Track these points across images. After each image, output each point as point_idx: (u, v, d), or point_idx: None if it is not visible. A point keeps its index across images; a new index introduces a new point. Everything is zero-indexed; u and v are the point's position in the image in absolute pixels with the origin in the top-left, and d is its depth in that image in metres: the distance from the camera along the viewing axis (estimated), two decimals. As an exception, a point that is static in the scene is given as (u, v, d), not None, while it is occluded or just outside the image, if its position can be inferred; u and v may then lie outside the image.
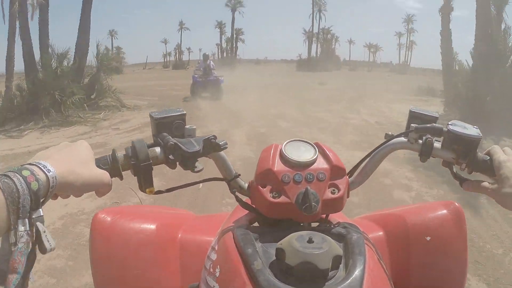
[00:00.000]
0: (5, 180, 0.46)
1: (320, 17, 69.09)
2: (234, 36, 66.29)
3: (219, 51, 78.73)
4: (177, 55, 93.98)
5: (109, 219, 0.87)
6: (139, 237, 0.87)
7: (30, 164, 0.53)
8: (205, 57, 13.81)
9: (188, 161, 0.74)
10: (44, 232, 0.50)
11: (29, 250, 0.48)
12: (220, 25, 78.69)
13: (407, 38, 79.79)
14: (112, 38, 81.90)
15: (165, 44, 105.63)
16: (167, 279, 0.88)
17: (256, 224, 0.84)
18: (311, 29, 68.50)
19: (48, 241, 0.50)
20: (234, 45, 66.03)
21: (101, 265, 0.86)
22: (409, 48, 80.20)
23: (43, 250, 0.50)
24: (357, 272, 0.61)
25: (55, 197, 0.58)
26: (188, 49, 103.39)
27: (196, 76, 13.21)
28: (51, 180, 0.52)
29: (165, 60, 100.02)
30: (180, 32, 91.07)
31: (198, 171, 0.76)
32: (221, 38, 78.08)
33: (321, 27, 72.49)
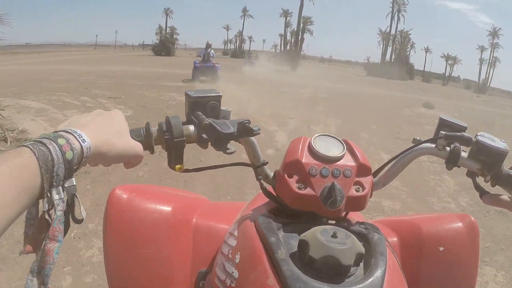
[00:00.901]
0: (41, 147, 0.46)
1: (398, 18, 62.53)
2: (301, 25, 58.42)
3: (282, 42, 73.55)
4: (238, 43, 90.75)
5: (125, 196, 0.87)
6: (154, 217, 0.87)
7: (65, 131, 0.52)
8: (207, 45, 15.03)
9: (221, 142, 0.75)
10: (79, 201, 0.51)
11: (65, 217, 0.48)
12: (286, 14, 73.12)
13: (490, 53, 71.20)
14: (166, 17, 79.24)
15: (227, 30, 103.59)
16: (178, 262, 0.87)
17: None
18: (388, 30, 62.66)
19: (82, 211, 0.51)
20: (300, 37, 60.82)
21: (114, 241, 0.85)
22: (492, 65, 71.44)
23: (76, 220, 0.51)
24: (378, 271, 0.61)
25: (93, 163, 0.58)
26: (250, 37, 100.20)
27: (196, 62, 14.88)
28: (85, 150, 0.52)
29: (225, 47, 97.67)
30: (243, 19, 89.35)
31: (231, 153, 0.76)
32: (285, 28, 72.28)
33: (398, 29, 65.23)
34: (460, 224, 0.93)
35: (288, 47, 67.23)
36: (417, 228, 0.95)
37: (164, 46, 54.72)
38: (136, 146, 0.64)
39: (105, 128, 0.59)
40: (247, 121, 0.76)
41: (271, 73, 23.52)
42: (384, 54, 61.25)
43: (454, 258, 0.90)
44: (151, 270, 0.85)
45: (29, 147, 0.46)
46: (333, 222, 0.80)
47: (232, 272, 0.68)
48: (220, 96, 0.81)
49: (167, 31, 70.29)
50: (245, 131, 0.76)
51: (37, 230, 0.48)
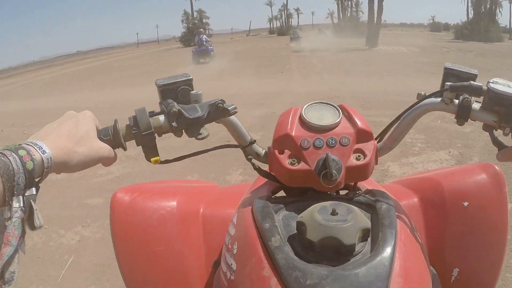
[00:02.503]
0: (2, 158, 0.48)
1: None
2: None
3: (340, 9, 61.28)
4: (284, 18, 78.69)
5: (127, 198, 0.87)
6: (160, 214, 0.86)
7: (27, 144, 0.54)
8: (199, 32, 19.01)
9: (192, 128, 0.71)
10: (36, 210, 0.52)
11: (21, 224, 0.50)
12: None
13: None
14: (191, 0, 64.80)
15: (270, 6, 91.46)
16: (191, 254, 0.86)
17: (281, 193, 0.81)
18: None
19: (38, 218, 0.52)
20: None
21: (124, 245, 0.85)
22: None
23: (32, 227, 0.52)
24: (386, 247, 0.55)
25: (58, 172, 0.59)
26: (297, 10, 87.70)
27: (193, 49, 17.91)
28: (45, 161, 0.53)
29: (271, 25, 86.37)
30: None
31: (202, 138, 0.72)
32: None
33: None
34: (483, 176, 0.86)
35: (348, 13, 55.16)
36: (438, 185, 0.89)
37: (193, 34, 45.27)
38: (102, 149, 0.64)
39: (68, 136, 0.60)
40: (220, 101, 0.73)
41: (342, 55, 17.45)
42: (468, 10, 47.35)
43: (480, 213, 0.84)
44: (165, 267, 0.84)
45: None
46: (345, 192, 0.77)
47: (231, 264, 0.65)
48: (190, 80, 0.78)
49: (195, 16, 58.42)
50: (219, 112, 0.73)
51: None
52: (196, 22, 52.33)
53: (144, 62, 22.82)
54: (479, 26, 34.32)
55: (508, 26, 53.13)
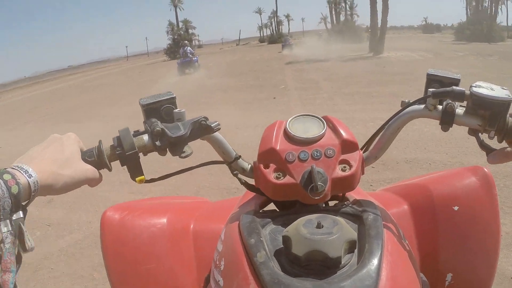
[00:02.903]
0: None
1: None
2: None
3: (333, 13, 58.38)
4: (274, 25, 76.14)
5: (117, 216, 0.87)
6: (151, 231, 0.86)
7: (12, 168, 0.55)
8: (183, 44, 19.59)
9: (175, 146, 0.72)
10: (25, 232, 0.52)
11: (15, 248, 0.50)
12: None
13: None
14: (176, 10, 60.26)
15: (260, 14, 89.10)
16: (181, 271, 0.86)
17: (270, 206, 0.81)
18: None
19: (29, 240, 0.52)
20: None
21: (115, 263, 0.85)
22: None
23: (24, 249, 0.52)
24: (373, 258, 0.55)
25: (44, 194, 0.60)
26: (287, 16, 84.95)
27: (178, 61, 18.68)
28: (32, 185, 0.54)
29: (261, 33, 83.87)
30: None
31: (186, 156, 0.73)
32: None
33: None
34: (473, 179, 0.87)
35: (342, 17, 52.62)
36: (427, 190, 0.90)
37: (179, 46, 42.48)
38: (87, 171, 0.65)
39: (53, 159, 0.60)
40: (203, 119, 0.74)
41: (347, 65, 14.69)
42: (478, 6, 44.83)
43: (471, 216, 0.84)
44: (157, 284, 0.84)
45: None
46: (334, 203, 0.78)
47: (219, 281, 0.66)
48: (173, 98, 0.78)
49: (180, 27, 54.24)
50: (202, 130, 0.74)
51: None
52: (182, 33, 49.08)
53: (118, 80, 21.11)
54: (482, 26, 32.18)
55: (506, 24, 51.06)
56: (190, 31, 51.72)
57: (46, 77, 49.56)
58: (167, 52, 43.36)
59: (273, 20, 77.23)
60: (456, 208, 0.84)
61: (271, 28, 78.38)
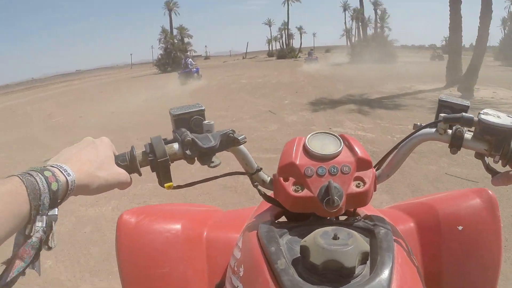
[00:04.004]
0: (29, 178, 0.50)
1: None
2: None
3: (359, 25, 49.35)
4: (285, 38, 69.18)
5: (133, 220, 0.88)
6: (165, 237, 0.88)
7: (52, 166, 0.56)
8: (185, 56, 22.00)
9: (205, 156, 0.75)
10: (54, 231, 0.53)
11: (39, 245, 0.51)
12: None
13: None
14: (170, 16, 49.62)
15: (269, 26, 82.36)
16: (194, 277, 0.88)
17: (283, 218, 0.84)
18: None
19: (53, 240, 0.54)
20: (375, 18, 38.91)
21: (128, 266, 0.87)
22: None
23: (47, 248, 0.54)
24: (384, 269, 0.58)
25: (76, 194, 0.61)
26: (299, 28, 77.44)
27: (179, 72, 20.12)
28: (70, 183, 0.56)
29: (270, 47, 77.14)
30: (286, 4, 62.93)
31: (215, 166, 0.76)
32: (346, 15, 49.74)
33: None
34: (477, 200, 0.89)
35: (356, 36, 45.44)
36: (433, 209, 0.92)
37: (171, 57, 35.47)
38: (120, 174, 0.67)
39: (89, 161, 0.62)
40: (231, 132, 0.77)
41: None
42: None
43: (475, 237, 0.87)
44: None
45: (18, 177, 0.50)
46: (345, 217, 0.80)
47: (238, 286, 0.68)
48: (202, 110, 0.81)
49: (174, 35, 45.13)
50: (229, 142, 0.77)
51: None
52: (176, 41, 42.07)
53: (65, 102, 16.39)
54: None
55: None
56: (186, 39, 43.98)
57: (50, 81, 48.32)
58: (158, 64, 36.69)
59: (283, 32, 70.44)
60: (460, 228, 0.86)
61: (280, 41, 71.67)
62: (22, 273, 0.49)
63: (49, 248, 0.53)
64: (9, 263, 0.49)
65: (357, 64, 25.64)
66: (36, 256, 0.51)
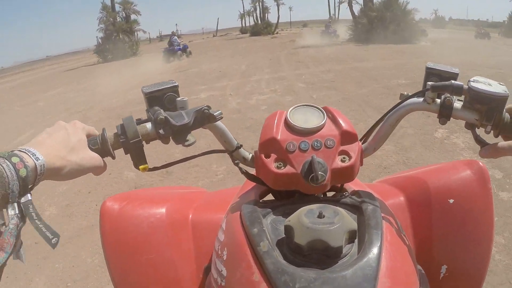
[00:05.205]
0: None
1: None
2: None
3: None
4: (259, 11, 60.09)
5: (117, 206, 0.87)
6: (150, 221, 0.86)
7: (20, 150, 0.55)
8: (172, 33, 20.07)
9: (179, 134, 0.72)
10: (33, 212, 0.52)
11: (17, 231, 0.50)
12: None
13: None
14: None
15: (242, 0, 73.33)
16: (181, 261, 0.87)
17: (270, 196, 0.82)
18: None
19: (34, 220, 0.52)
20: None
21: (114, 253, 0.86)
22: None
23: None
24: (373, 248, 0.56)
25: (48, 179, 0.60)
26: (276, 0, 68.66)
27: (164, 48, 19.24)
28: (38, 168, 0.54)
29: (243, 23, 68.19)
30: None
31: (189, 145, 0.73)
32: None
33: None
34: (468, 172, 0.87)
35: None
36: (423, 183, 0.90)
37: (111, 40, 26.93)
38: (93, 158, 0.66)
39: (60, 145, 0.61)
40: (206, 108, 0.74)
41: None
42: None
43: (466, 209, 0.85)
44: (156, 275, 0.84)
45: None
46: (332, 193, 0.79)
47: (222, 270, 0.66)
48: (176, 86, 0.79)
49: (117, 11, 31.64)
50: (204, 118, 0.74)
51: None
52: (120, 19, 30.83)
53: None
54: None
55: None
56: (133, 16, 32.16)
57: (13, 70, 43.96)
58: (98, 50, 28.04)
59: (257, 4, 61.47)
60: (451, 201, 0.85)
61: (254, 15, 62.70)
62: (4, 264, 0.48)
63: (46, 229, 0.52)
64: None
65: (367, 44, 17.82)
66: (17, 243, 0.50)
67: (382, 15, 20.87)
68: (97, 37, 28.85)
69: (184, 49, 19.10)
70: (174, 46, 18.59)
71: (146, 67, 15.91)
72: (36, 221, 0.52)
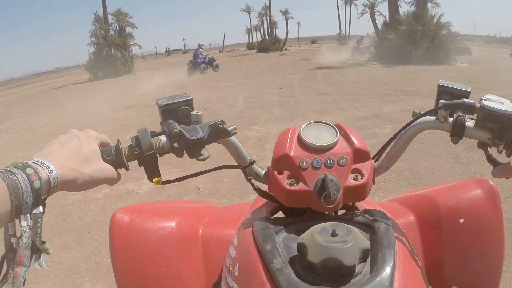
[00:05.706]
0: (10, 176, 0.49)
1: None
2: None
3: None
4: (267, 26, 57.52)
5: (127, 218, 0.86)
6: (160, 235, 0.86)
7: (34, 162, 0.55)
8: (198, 46, 19.47)
9: (193, 148, 0.72)
10: (40, 228, 0.52)
11: (31, 244, 0.51)
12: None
13: None
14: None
15: (248, 13, 70.78)
16: (190, 275, 0.86)
17: (281, 213, 0.81)
18: None
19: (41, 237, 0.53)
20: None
21: (123, 266, 0.85)
22: None
23: (42, 242, 0.52)
24: (386, 267, 0.56)
25: (61, 190, 0.60)
26: (285, 12, 64.21)
27: (188, 61, 19.20)
28: (52, 180, 0.54)
29: (250, 38, 65.84)
30: None
31: (203, 159, 0.73)
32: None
33: None
34: (478, 191, 0.87)
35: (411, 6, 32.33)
36: (433, 202, 0.89)
37: (102, 56, 24.37)
38: (106, 170, 0.65)
39: (73, 156, 0.60)
40: (220, 122, 0.74)
41: None
42: None
43: (477, 229, 0.84)
44: None
45: None
46: (342, 212, 0.78)
47: (233, 286, 0.65)
48: (190, 100, 0.78)
49: (110, 23, 28.62)
50: (219, 133, 0.74)
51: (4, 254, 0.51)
52: (114, 31, 28.01)
53: None
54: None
55: None
56: (128, 30, 28.69)
57: (22, 81, 45.33)
58: (88, 67, 25.44)
59: (264, 18, 58.98)
60: (462, 220, 0.84)
61: (261, 29, 60.29)
62: (24, 277, 0.49)
63: (43, 243, 0.52)
64: (9, 273, 0.48)
65: (396, 64, 14.87)
66: (32, 255, 0.50)
67: (412, 28, 17.66)
68: (88, 52, 26.21)
69: (210, 62, 18.67)
70: (198, 59, 18.37)
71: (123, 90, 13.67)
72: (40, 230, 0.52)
